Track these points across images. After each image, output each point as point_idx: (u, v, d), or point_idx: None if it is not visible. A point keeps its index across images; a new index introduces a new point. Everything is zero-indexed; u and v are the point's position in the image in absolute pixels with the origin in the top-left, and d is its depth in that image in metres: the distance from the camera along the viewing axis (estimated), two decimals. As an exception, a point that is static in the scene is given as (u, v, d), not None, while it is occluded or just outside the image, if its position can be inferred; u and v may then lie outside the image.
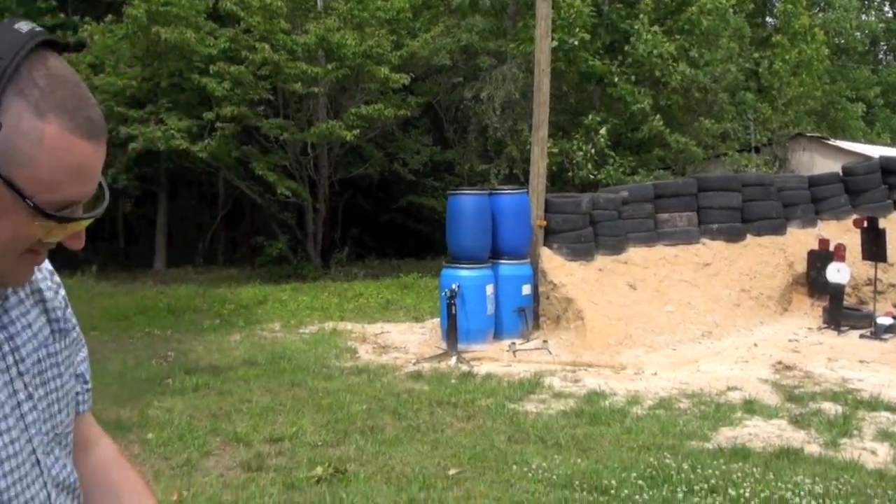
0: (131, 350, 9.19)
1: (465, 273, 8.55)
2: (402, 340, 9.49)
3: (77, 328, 1.30)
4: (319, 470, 4.99)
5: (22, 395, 1.09)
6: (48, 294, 1.20)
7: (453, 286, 8.30)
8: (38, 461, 1.11)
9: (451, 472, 5.04)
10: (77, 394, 1.28)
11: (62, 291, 1.26)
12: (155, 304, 12.62)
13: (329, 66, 16.10)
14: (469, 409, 6.50)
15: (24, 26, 0.98)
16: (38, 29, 0.99)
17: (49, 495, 1.11)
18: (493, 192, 9.49)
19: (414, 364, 8.25)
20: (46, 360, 1.16)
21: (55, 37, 1.00)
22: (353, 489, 4.71)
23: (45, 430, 1.13)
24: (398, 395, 6.92)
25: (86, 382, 1.33)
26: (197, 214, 22.73)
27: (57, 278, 1.26)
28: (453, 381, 7.43)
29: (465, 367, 7.91)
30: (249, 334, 10.10)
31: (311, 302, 12.65)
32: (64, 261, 19.26)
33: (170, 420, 6.15)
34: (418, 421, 6.17)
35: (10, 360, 1.09)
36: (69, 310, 1.28)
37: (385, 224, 22.09)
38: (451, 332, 8.29)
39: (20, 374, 1.09)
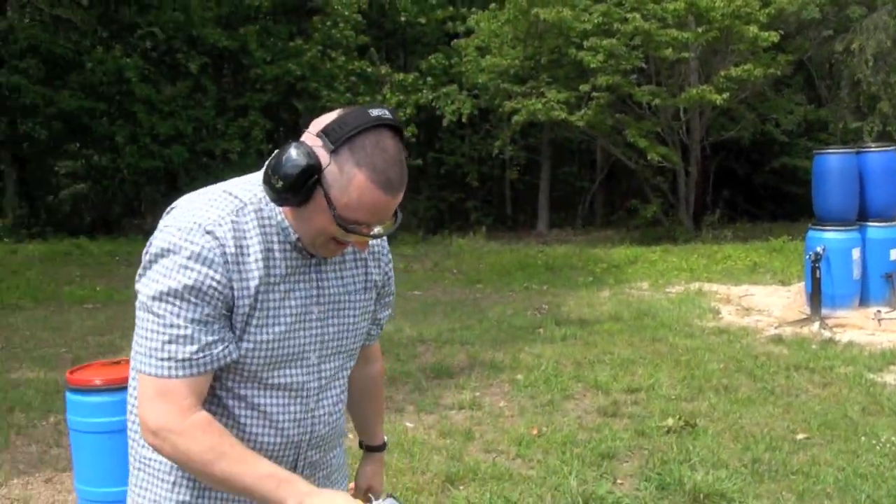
0: (510, 301, 10.21)
1: (831, 236, 8.22)
2: (765, 303, 9.40)
3: (392, 297, 1.92)
4: (670, 421, 5.28)
5: (314, 316, 1.68)
6: (371, 267, 1.80)
7: (818, 249, 8.05)
8: (315, 363, 1.69)
9: (799, 436, 5.08)
10: (369, 332, 1.88)
11: (390, 272, 1.88)
12: (535, 261, 13.68)
13: (699, 30, 15.99)
14: (826, 376, 6.40)
15: (374, 111, 1.51)
16: (386, 116, 1.51)
17: (315, 385, 1.72)
18: (861, 150, 8.93)
19: (775, 328, 8.19)
20: (346, 303, 1.74)
21: (395, 121, 1.52)
22: (700, 443, 4.94)
23: (331, 346, 1.72)
24: (756, 357, 6.99)
25: (379, 328, 1.94)
26: (577, 180, 23.72)
27: (388, 265, 1.87)
28: (814, 346, 7.30)
29: (826, 334, 7.70)
30: (618, 291, 10.65)
31: (679, 263, 12.88)
32: (461, 223, 21.35)
33: (538, 364, 6.86)
34: (773, 384, 6.22)
35: (314, 291, 1.67)
36: (391, 287, 1.90)
37: (757, 186, 21.32)
38: (815, 297, 8.08)
39: (318, 302, 1.68)
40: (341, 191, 1.50)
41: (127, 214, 20.84)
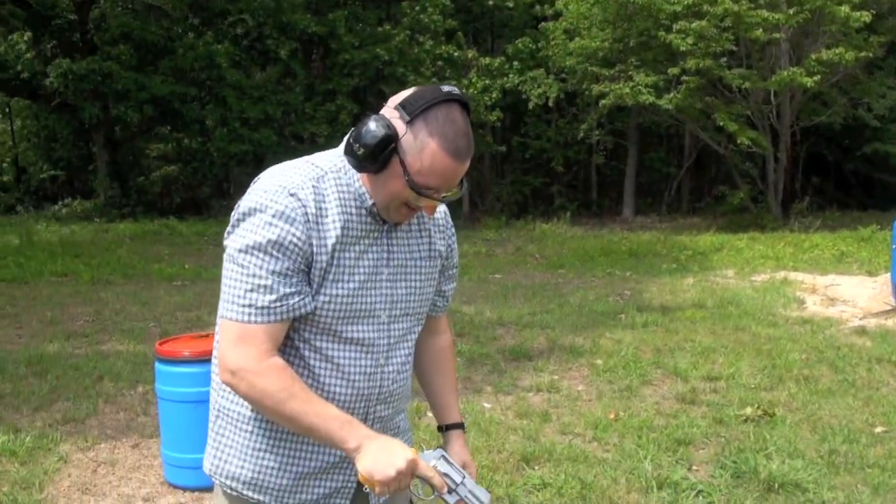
0: (592, 287, 10.22)
1: (919, 226, 8.01)
2: (851, 294, 9.19)
3: (456, 270, 2.06)
4: (749, 410, 5.26)
5: (384, 277, 1.82)
6: (436, 238, 1.94)
7: (905, 239, 7.87)
8: (385, 322, 1.83)
9: (878, 429, 5.01)
10: (435, 302, 2.02)
11: (453, 245, 2.01)
12: (618, 247, 13.63)
13: (790, 11, 15.61)
14: (911, 369, 6.28)
15: (445, 87, 1.67)
16: (455, 92, 1.67)
17: (385, 342, 1.85)
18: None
19: (860, 319, 8.02)
20: (413, 268, 1.88)
21: (463, 97, 1.69)
22: (777, 432, 4.92)
23: (399, 306, 1.85)
24: (838, 349, 6.88)
25: (445, 300, 2.06)
26: (664, 165, 23.41)
27: (452, 237, 2.01)
28: (898, 339, 7.14)
29: (914, 326, 7.53)
30: (702, 279, 10.55)
31: (765, 251, 12.68)
32: (544, 209, 21.34)
33: (618, 350, 6.90)
34: (854, 376, 6.13)
35: (385, 254, 1.81)
36: (454, 259, 2.04)
37: (848, 174, 20.69)
38: (903, 289, 7.90)
39: (388, 265, 1.82)
40: (415, 157, 1.66)
41: (215, 196, 21.52)
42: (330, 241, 1.70)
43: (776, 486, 4.12)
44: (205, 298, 9.31)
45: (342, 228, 1.72)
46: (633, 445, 4.74)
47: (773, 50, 17.01)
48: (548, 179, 23.73)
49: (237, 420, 1.84)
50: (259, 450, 1.82)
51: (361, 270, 1.76)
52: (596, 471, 4.37)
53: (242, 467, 1.83)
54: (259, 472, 1.82)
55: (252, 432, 1.82)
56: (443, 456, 1.80)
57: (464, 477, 1.79)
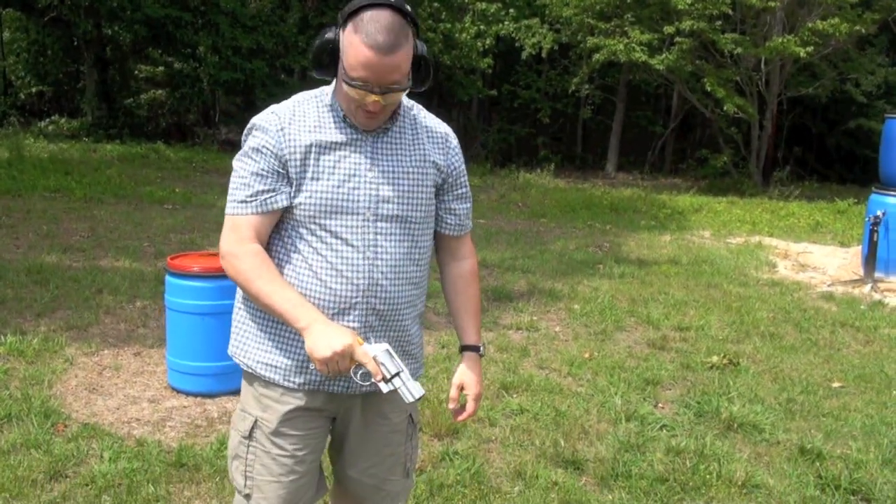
0: (573, 237, 10.53)
1: (893, 200, 8.29)
2: (822, 262, 9.56)
3: (465, 190, 2.25)
4: (715, 359, 5.59)
5: (367, 178, 2.05)
6: (429, 149, 2.15)
7: (878, 213, 8.17)
8: (369, 219, 2.04)
9: (835, 384, 5.34)
10: (444, 219, 2.22)
11: (456, 164, 2.21)
12: (600, 201, 13.93)
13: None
14: (870, 335, 6.61)
15: None
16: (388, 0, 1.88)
17: (371, 237, 2.05)
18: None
19: (828, 286, 8.38)
20: (402, 173, 2.09)
21: (395, 4, 1.89)
22: (740, 380, 5.25)
23: (386, 206, 2.06)
24: (805, 311, 7.23)
25: (457, 218, 2.24)
26: (649, 124, 23.62)
27: (455, 157, 2.21)
28: (862, 307, 7.48)
29: (877, 296, 7.87)
30: (679, 237, 10.88)
31: (743, 215, 13.03)
32: (528, 159, 21.51)
33: (595, 297, 7.22)
34: (818, 336, 6.47)
35: (367, 159, 2.06)
36: (462, 180, 2.24)
37: (830, 147, 21.02)
38: (871, 260, 8.22)
39: (371, 168, 2.06)
40: (346, 55, 1.92)
41: (202, 124, 21.44)
42: (301, 145, 2.01)
43: (735, 425, 4.47)
44: (196, 223, 9.50)
45: (318, 136, 2.03)
46: (604, 382, 5.07)
47: (767, 17, 17.17)
48: (533, 130, 23.87)
49: (250, 308, 2.15)
50: (267, 333, 2.12)
51: (342, 171, 2.03)
52: (569, 402, 4.70)
53: (256, 349, 2.14)
54: (268, 352, 2.12)
55: (262, 318, 2.12)
56: (386, 350, 1.97)
57: (401, 371, 1.95)
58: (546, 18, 20.40)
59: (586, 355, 5.63)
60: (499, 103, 23.82)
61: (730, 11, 16.48)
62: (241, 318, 2.19)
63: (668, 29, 16.61)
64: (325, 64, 1.99)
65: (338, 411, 2.19)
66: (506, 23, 20.72)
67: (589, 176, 20.40)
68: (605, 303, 7.02)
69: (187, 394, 4.48)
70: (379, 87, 1.91)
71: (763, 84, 17.62)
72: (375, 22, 1.87)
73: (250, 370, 2.15)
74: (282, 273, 2.05)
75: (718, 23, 16.79)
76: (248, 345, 2.15)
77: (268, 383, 2.12)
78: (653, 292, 7.58)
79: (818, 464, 4.04)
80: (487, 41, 20.48)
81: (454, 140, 2.23)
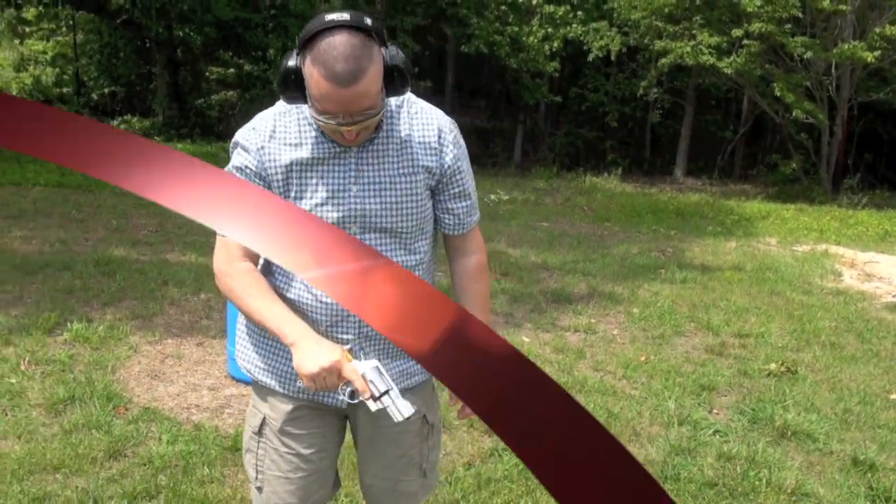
0: (636, 241, 10.44)
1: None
2: (889, 272, 9.28)
3: (462, 189, 2.11)
4: (773, 366, 5.52)
5: (352, 193, 1.97)
6: (419, 154, 2.02)
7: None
8: (356, 234, 1.95)
9: (893, 396, 5.21)
10: (442, 220, 2.13)
11: (452, 164, 2.06)
12: (666, 206, 13.78)
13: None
14: (938, 346, 6.45)
15: (329, 16, 1.76)
16: (338, 19, 1.75)
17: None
18: None
19: (893, 296, 8.16)
20: (389, 184, 1.99)
21: (352, 23, 1.75)
22: (797, 389, 5.17)
23: (372, 221, 1.98)
24: (867, 321, 7.05)
25: (455, 218, 2.13)
26: (719, 129, 23.23)
27: (450, 156, 2.06)
28: (931, 318, 7.29)
29: (949, 306, 7.66)
30: (745, 244, 10.70)
31: (811, 223, 12.74)
32: (595, 163, 21.40)
33: (654, 301, 7.16)
34: (879, 347, 6.31)
35: (351, 172, 1.97)
36: (460, 178, 2.09)
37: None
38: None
39: (356, 182, 1.97)
40: (309, 86, 1.81)
41: (271, 125, 21.76)
42: (282, 164, 1.95)
43: (789, 433, 4.40)
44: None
45: (299, 153, 1.96)
46: (659, 386, 5.04)
47: (838, 21, 16.76)
48: (601, 134, 23.68)
49: (248, 328, 2.22)
50: (265, 340, 2.16)
51: (325, 188, 1.96)
52: (623, 404, 4.69)
53: (255, 354, 2.19)
54: (265, 359, 2.16)
55: (259, 328, 2.15)
56: (376, 367, 1.88)
57: (390, 389, 1.87)
58: (614, 21, 20.25)
59: (642, 359, 5.60)
60: (566, 107, 23.70)
61: (800, 14, 16.13)
62: (242, 326, 2.26)
63: (737, 32, 16.34)
64: (293, 92, 1.86)
65: (346, 410, 2.22)
66: (574, 25, 20.63)
67: (657, 181, 20.17)
68: (665, 307, 6.96)
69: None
70: (350, 117, 1.81)
71: (833, 89, 17.21)
72: (332, 49, 1.74)
73: (253, 377, 2.22)
74: (275, 287, 2.06)
75: (788, 26, 16.45)
76: (249, 350, 2.22)
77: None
78: (714, 298, 7.48)
79: (870, 475, 3.96)
80: (555, 44, 20.41)
81: (450, 134, 2.07)
